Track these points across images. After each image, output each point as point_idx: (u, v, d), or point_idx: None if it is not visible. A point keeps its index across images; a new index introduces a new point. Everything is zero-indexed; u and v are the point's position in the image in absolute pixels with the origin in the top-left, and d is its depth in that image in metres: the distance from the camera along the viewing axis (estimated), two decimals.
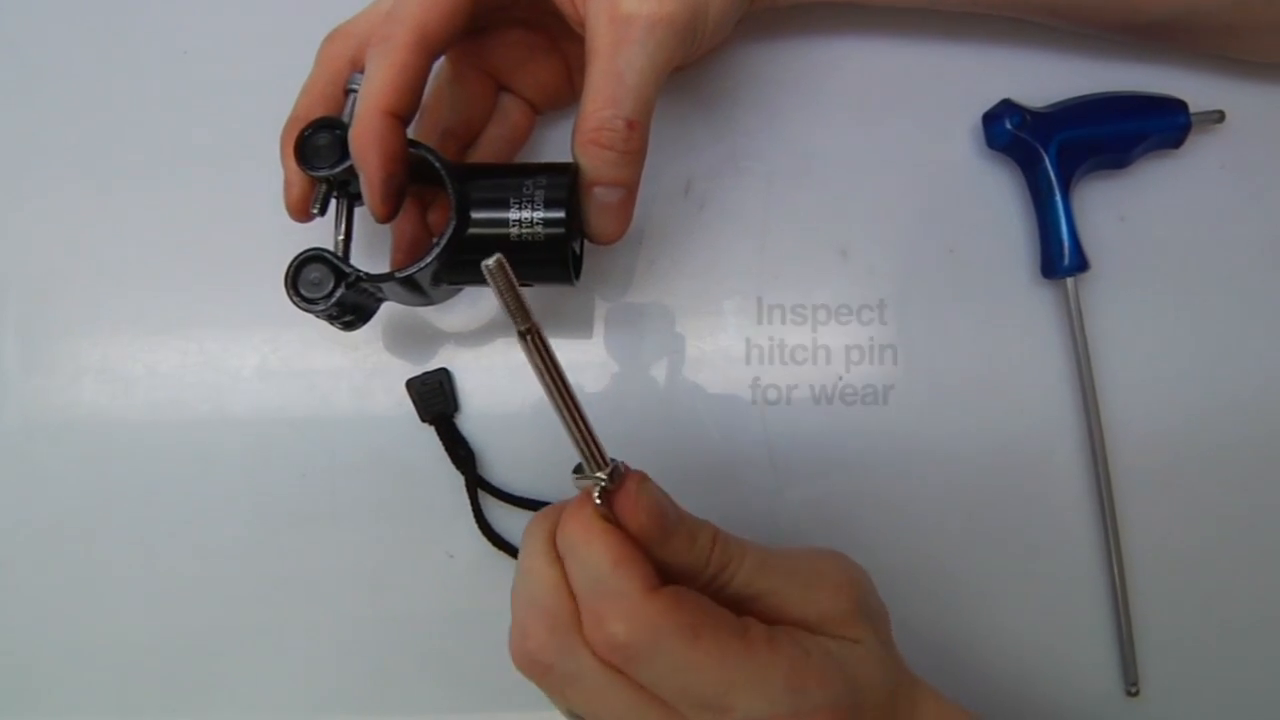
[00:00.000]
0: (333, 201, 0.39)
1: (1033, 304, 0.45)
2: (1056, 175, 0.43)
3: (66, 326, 0.47)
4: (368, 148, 0.35)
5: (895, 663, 0.34)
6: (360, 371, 0.45)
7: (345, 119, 0.38)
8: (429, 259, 0.36)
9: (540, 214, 0.37)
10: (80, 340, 0.46)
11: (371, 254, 0.44)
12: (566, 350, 0.45)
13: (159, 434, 0.46)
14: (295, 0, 0.45)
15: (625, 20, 0.35)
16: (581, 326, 0.45)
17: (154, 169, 0.47)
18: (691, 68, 0.44)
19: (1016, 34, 0.46)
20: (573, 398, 0.29)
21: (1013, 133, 0.43)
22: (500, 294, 0.28)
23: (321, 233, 0.39)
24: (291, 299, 0.37)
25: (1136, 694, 0.43)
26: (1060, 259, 0.43)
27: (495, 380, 0.45)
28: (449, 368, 0.45)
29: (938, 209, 0.45)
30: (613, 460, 0.30)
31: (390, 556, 0.45)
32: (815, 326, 0.45)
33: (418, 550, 0.45)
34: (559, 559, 0.31)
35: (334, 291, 0.37)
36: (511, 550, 0.44)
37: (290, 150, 0.38)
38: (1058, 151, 0.43)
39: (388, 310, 0.43)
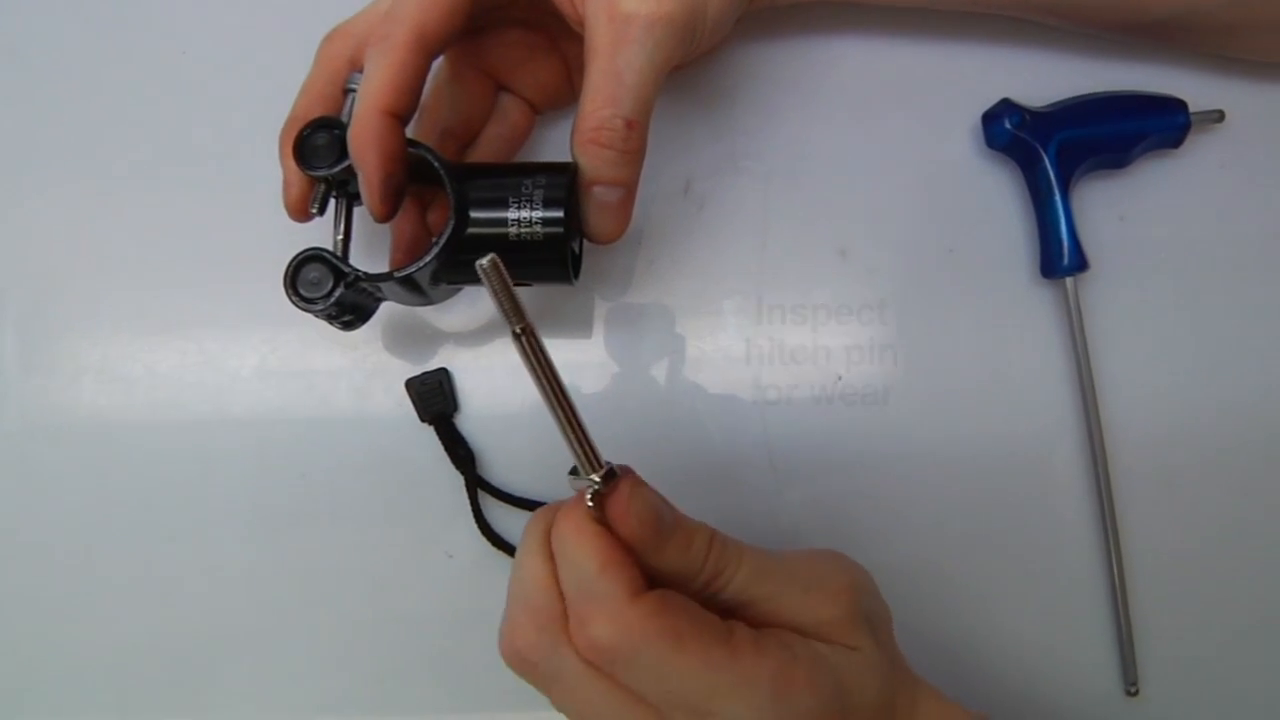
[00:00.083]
0: (332, 201, 0.39)
1: (1032, 304, 0.45)
2: (1056, 175, 0.43)
3: (66, 326, 0.47)
4: (366, 147, 0.35)
5: (894, 668, 0.33)
6: (360, 371, 0.45)
7: (344, 119, 0.38)
8: (428, 258, 0.36)
9: (539, 213, 0.36)
10: (79, 340, 0.46)
11: (371, 254, 0.44)
12: (566, 350, 0.45)
13: (158, 434, 0.46)
14: (295, 0, 0.45)
15: (624, 19, 0.35)
16: (581, 326, 0.45)
17: (153, 169, 0.47)
18: (691, 67, 0.44)
19: (1016, 34, 0.45)
20: (567, 399, 0.29)
21: (1012, 132, 0.43)
22: (495, 294, 0.28)
23: (320, 232, 0.39)
24: (290, 299, 0.37)
25: (1136, 694, 0.43)
26: (1060, 259, 0.43)
27: (495, 380, 0.45)
28: (448, 368, 0.45)
29: (937, 209, 0.45)
30: (608, 463, 0.30)
31: (390, 556, 0.45)
32: (815, 326, 0.45)
33: (417, 550, 0.45)
34: (552, 558, 0.31)
35: (333, 291, 0.37)
36: (511, 550, 0.44)
37: (289, 150, 0.38)
38: (1057, 151, 0.43)
39: (387, 310, 0.43)
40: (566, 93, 0.44)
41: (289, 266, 0.37)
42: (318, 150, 0.37)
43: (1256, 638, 0.43)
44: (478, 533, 0.44)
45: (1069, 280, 0.43)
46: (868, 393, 0.44)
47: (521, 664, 0.31)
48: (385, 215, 0.37)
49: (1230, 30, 0.42)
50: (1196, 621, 0.43)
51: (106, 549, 0.45)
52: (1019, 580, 0.44)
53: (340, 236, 0.39)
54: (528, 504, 0.44)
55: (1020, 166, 0.44)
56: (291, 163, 0.38)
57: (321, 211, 0.39)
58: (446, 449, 0.44)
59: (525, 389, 0.45)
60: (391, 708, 0.45)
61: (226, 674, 0.45)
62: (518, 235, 0.37)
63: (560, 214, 0.36)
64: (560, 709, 0.32)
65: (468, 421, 0.45)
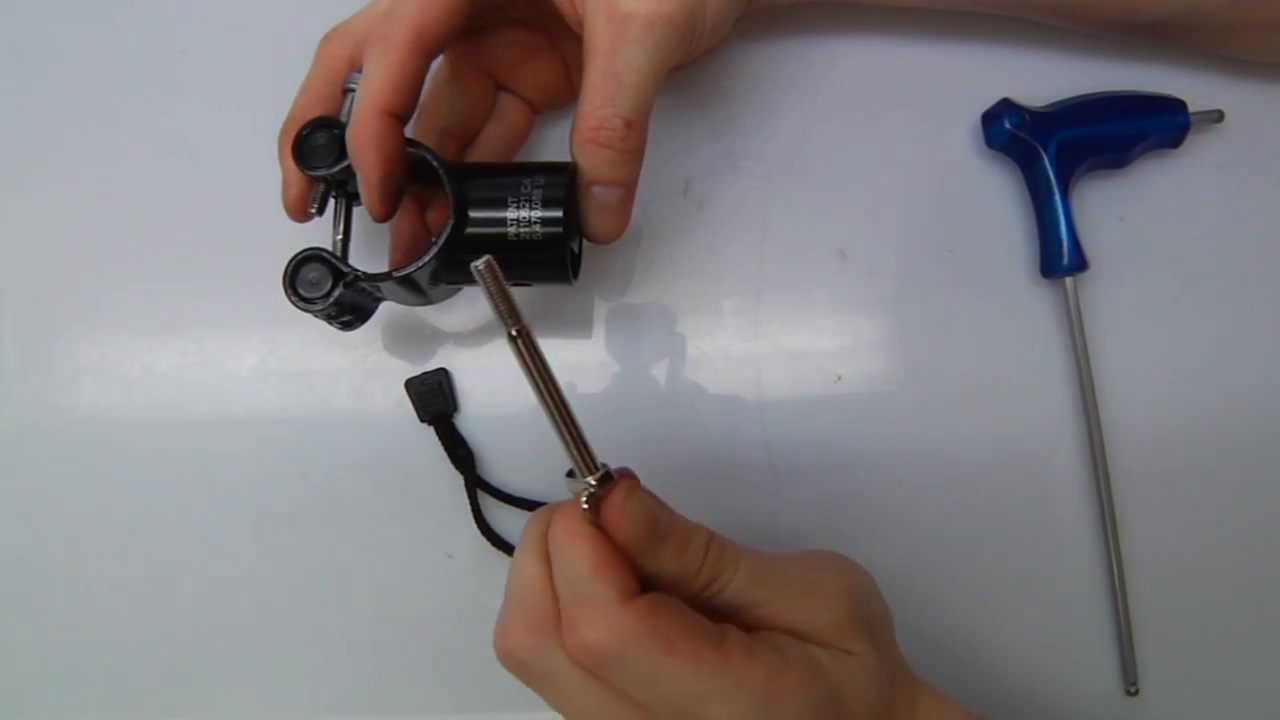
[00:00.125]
0: (331, 201, 0.39)
1: (1032, 304, 0.45)
2: (1056, 175, 0.43)
3: (64, 326, 0.47)
4: (365, 147, 0.35)
5: (893, 672, 0.33)
6: (359, 371, 0.45)
7: (343, 118, 0.38)
8: (427, 258, 0.36)
9: (538, 213, 0.36)
10: (78, 340, 0.46)
11: (370, 253, 0.44)
12: (565, 350, 0.45)
13: (157, 434, 0.46)
14: (294, 0, 0.45)
15: (623, 19, 0.35)
16: (580, 326, 0.45)
17: (152, 168, 0.47)
18: (690, 67, 0.44)
19: (1016, 34, 0.45)
20: (563, 401, 0.29)
21: (1012, 132, 0.43)
22: (490, 295, 0.28)
23: (320, 232, 0.39)
24: (289, 299, 0.37)
25: (1136, 694, 0.43)
26: (1059, 258, 0.43)
27: (494, 380, 0.45)
28: (448, 368, 0.45)
29: (937, 209, 0.45)
30: (603, 465, 0.30)
31: (389, 556, 0.45)
32: (814, 326, 0.45)
33: (417, 550, 0.45)
34: (548, 559, 0.31)
35: (332, 291, 0.37)
36: (510, 550, 0.44)
37: (288, 150, 0.38)
38: (1057, 151, 0.43)
39: (386, 310, 0.43)
40: (566, 92, 0.44)
41: (288, 266, 0.37)
42: (317, 150, 0.37)
43: (1256, 638, 0.43)
44: (477, 533, 0.44)
45: (1069, 280, 0.43)
46: (867, 393, 0.44)
47: (515, 663, 0.31)
48: (384, 215, 0.37)
49: (1230, 30, 0.42)
50: (1196, 621, 0.43)
51: (106, 549, 0.45)
52: (1019, 580, 0.44)
53: (339, 236, 0.39)
54: (527, 504, 0.44)
55: (1020, 166, 0.44)
56: (290, 162, 0.38)
57: (321, 211, 0.39)
58: (446, 449, 0.44)
59: (525, 389, 0.44)
60: (391, 708, 0.45)
61: (226, 674, 0.45)
62: (517, 235, 0.37)
63: (559, 214, 0.36)
64: (553, 708, 0.32)
65: (467, 421, 0.45)
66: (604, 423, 0.44)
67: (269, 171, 0.39)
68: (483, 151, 0.43)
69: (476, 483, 0.44)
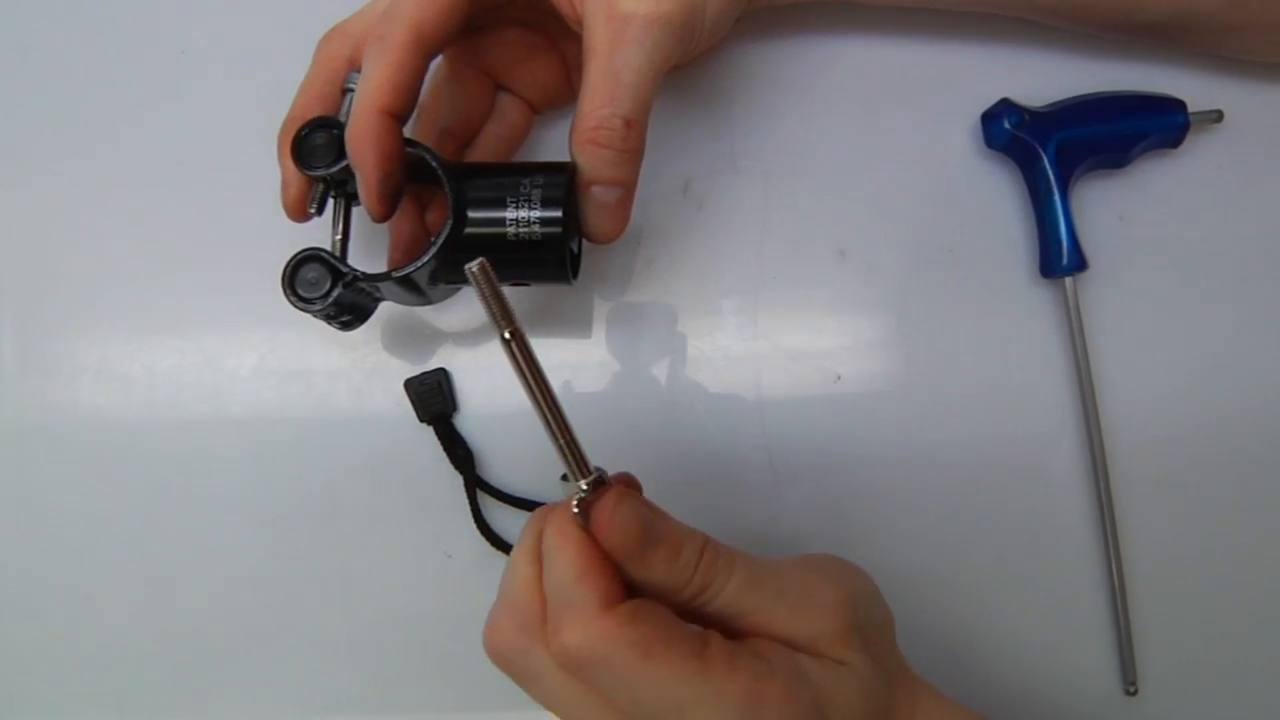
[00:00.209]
0: (330, 201, 0.39)
1: (1031, 303, 0.45)
2: (1055, 175, 0.43)
3: (63, 326, 0.47)
4: (364, 147, 0.35)
5: (891, 677, 0.33)
6: (358, 371, 0.45)
7: (342, 118, 0.38)
8: (426, 258, 0.36)
9: (537, 213, 0.36)
10: (78, 340, 0.46)
11: (369, 253, 0.44)
12: (564, 350, 0.45)
13: (156, 434, 0.46)
14: (293, 0, 0.45)
15: (623, 19, 0.35)
16: (580, 326, 0.45)
17: (151, 168, 0.47)
18: (689, 67, 0.44)
19: (1015, 34, 0.45)
20: (555, 404, 0.29)
21: (1011, 132, 0.43)
22: (484, 298, 0.28)
23: (319, 232, 0.39)
24: (288, 299, 0.37)
25: (1135, 693, 0.43)
26: (1059, 258, 0.43)
27: (494, 380, 0.45)
28: (447, 368, 0.45)
29: (936, 208, 0.45)
30: (597, 469, 0.30)
31: (389, 556, 0.45)
32: (814, 326, 0.45)
33: (416, 550, 0.45)
34: (540, 560, 0.31)
35: (331, 291, 0.37)
36: (509, 550, 0.44)
37: (287, 150, 0.38)
38: (1056, 151, 0.43)
39: (386, 310, 0.43)
40: (565, 92, 0.44)
41: (287, 266, 0.37)
42: (316, 150, 0.37)
43: (1255, 637, 0.43)
44: (477, 533, 0.44)
45: (1068, 280, 0.43)
46: (867, 393, 0.44)
47: (502, 661, 0.31)
48: (383, 215, 0.37)
49: (1229, 30, 0.42)
50: (1195, 622, 0.43)
51: (105, 549, 0.45)
52: (1018, 580, 0.44)
53: (338, 236, 0.39)
54: (526, 504, 0.44)
55: (1019, 166, 0.44)
56: (290, 162, 0.38)
57: (320, 211, 0.39)
58: (445, 449, 0.44)
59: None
60: (391, 707, 0.45)
61: (226, 674, 0.45)
62: (516, 235, 0.37)
63: (558, 214, 0.36)
64: (540, 705, 0.32)
65: (466, 421, 0.45)
66: (603, 422, 0.44)
67: (268, 171, 0.39)
68: (482, 151, 0.43)
69: (476, 483, 0.44)
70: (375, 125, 0.35)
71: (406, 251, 0.41)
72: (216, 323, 0.46)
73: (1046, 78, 0.45)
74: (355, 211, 0.40)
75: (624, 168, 0.37)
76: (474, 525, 0.44)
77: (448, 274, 0.38)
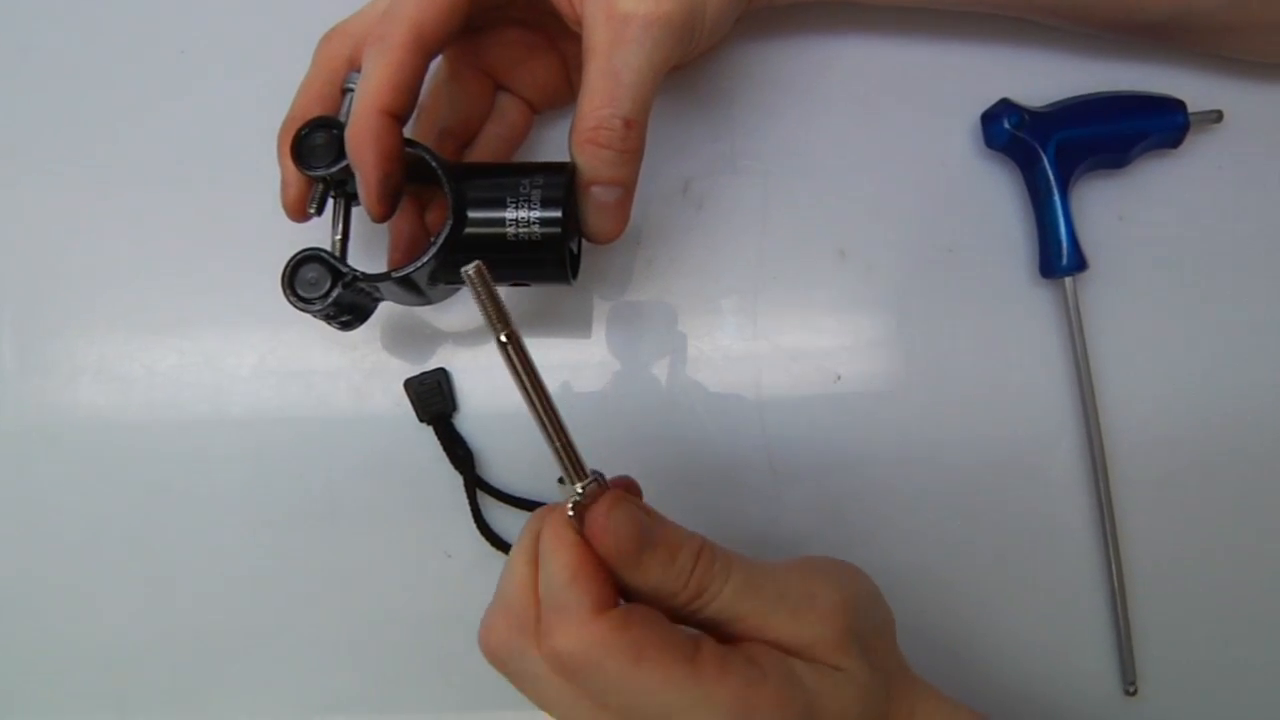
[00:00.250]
0: (330, 201, 0.39)
1: (1031, 303, 0.45)
2: (1055, 175, 0.43)
3: (63, 325, 0.47)
4: (364, 147, 0.35)
5: (889, 682, 0.33)
6: (358, 371, 0.45)
7: (342, 118, 0.38)
8: (426, 258, 0.36)
9: (537, 213, 0.36)
10: (77, 340, 0.46)
11: (369, 253, 0.44)
12: (564, 349, 0.45)
13: (156, 433, 0.46)
14: (293, 0, 0.45)
15: (622, 19, 0.35)
16: (580, 326, 0.45)
17: (151, 168, 0.47)
18: (689, 67, 0.44)
19: (1015, 34, 0.45)
20: (551, 407, 0.29)
21: (1011, 132, 0.43)
22: (480, 301, 0.28)
23: (319, 232, 0.39)
24: (288, 299, 0.37)
25: (1135, 693, 0.43)
26: (1059, 258, 0.43)
27: (493, 380, 0.45)
28: (447, 368, 0.45)
29: (936, 208, 0.45)
30: (593, 472, 0.30)
31: (389, 556, 0.45)
32: (814, 326, 0.45)
33: (416, 550, 0.45)
34: (537, 560, 0.31)
35: (331, 291, 0.37)
36: (509, 550, 0.44)
37: (287, 150, 0.38)
38: (1056, 151, 0.43)
39: (385, 310, 0.43)
40: (565, 92, 0.44)
41: (286, 266, 0.37)
42: (316, 150, 0.37)
43: (1255, 637, 0.43)
44: (476, 532, 0.44)
45: (1068, 280, 0.43)
46: (867, 392, 0.44)
47: (495, 659, 0.32)
48: (383, 215, 0.37)
49: (1229, 30, 0.42)
50: (1195, 621, 0.43)
51: (104, 549, 0.45)
52: (1017, 580, 0.44)
53: (338, 236, 0.39)
54: (526, 504, 0.44)
55: (1019, 166, 0.44)
56: (289, 162, 0.38)
57: (320, 211, 0.39)
58: (445, 449, 0.44)
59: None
60: (391, 707, 0.45)
61: (225, 673, 0.45)
62: (515, 235, 0.37)
63: (558, 214, 0.36)
64: (533, 704, 0.32)
65: (466, 421, 0.45)
66: (603, 422, 0.44)
67: (268, 171, 0.39)
68: (482, 151, 0.43)
69: (476, 483, 0.44)
70: (375, 125, 0.35)
71: (406, 251, 0.41)
72: (216, 323, 0.46)
73: (1046, 78, 0.45)
74: (355, 211, 0.40)
75: (624, 168, 0.37)
76: (474, 525, 0.44)
77: (447, 274, 0.38)
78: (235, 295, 0.46)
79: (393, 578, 0.45)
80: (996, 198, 0.45)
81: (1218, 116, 0.44)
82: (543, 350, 0.45)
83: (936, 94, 0.46)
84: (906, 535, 0.44)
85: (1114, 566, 0.43)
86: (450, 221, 0.36)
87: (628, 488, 0.34)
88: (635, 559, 0.30)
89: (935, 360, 0.45)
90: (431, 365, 0.45)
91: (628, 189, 0.38)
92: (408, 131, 0.37)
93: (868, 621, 0.33)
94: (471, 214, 0.37)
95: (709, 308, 0.45)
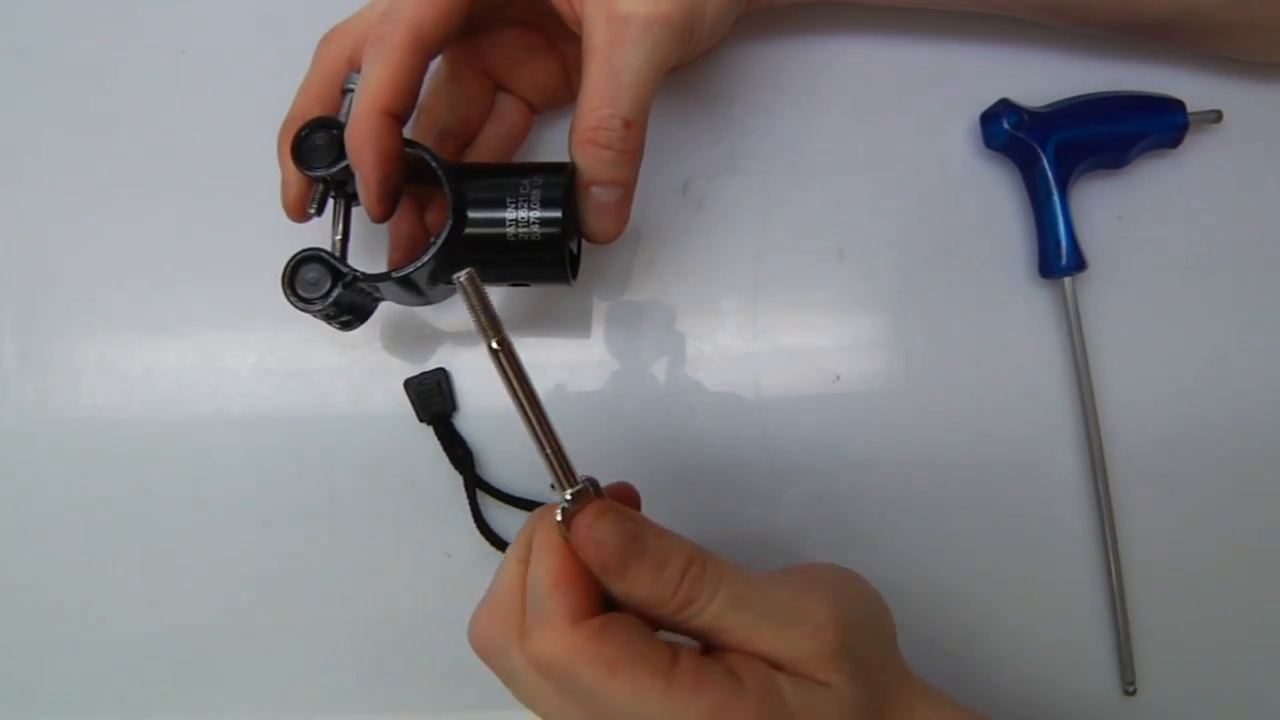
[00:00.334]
0: (330, 201, 0.39)
1: (1030, 304, 0.45)
2: (1054, 175, 0.43)
3: (64, 325, 0.47)
4: (364, 147, 0.35)
5: (877, 700, 0.32)
6: (358, 371, 0.46)
7: (342, 119, 0.38)
8: (425, 258, 0.36)
9: (537, 213, 0.36)
10: (78, 339, 0.46)
11: (369, 253, 0.44)
12: (563, 349, 0.45)
13: (157, 433, 0.46)
14: (294, 0, 0.45)
15: (622, 19, 0.35)
16: (579, 325, 0.45)
17: (152, 168, 0.47)
18: (689, 67, 0.44)
19: (1015, 34, 0.45)
20: (542, 414, 0.29)
21: (1010, 132, 0.43)
22: (472, 308, 0.28)
23: (319, 232, 0.39)
24: (288, 299, 0.37)
25: (1134, 693, 0.43)
26: (1058, 259, 0.43)
27: (493, 380, 0.44)
28: (447, 368, 0.45)
29: (935, 209, 0.45)
30: (584, 479, 0.30)
31: (388, 556, 0.45)
32: (813, 326, 0.45)
33: (416, 550, 0.45)
34: (528, 561, 0.31)
35: (331, 291, 0.37)
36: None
37: (287, 150, 0.38)
38: (1055, 151, 0.43)
39: (385, 310, 0.43)
40: (565, 93, 0.44)
41: (286, 266, 0.37)
42: (316, 150, 0.37)
43: (1254, 637, 0.43)
44: (476, 532, 0.44)
45: (1067, 280, 0.43)
46: (866, 393, 0.44)
47: (481, 653, 0.32)
48: (383, 215, 0.37)
49: (1228, 30, 0.42)
50: (1194, 621, 0.43)
51: (104, 548, 0.45)
52: (1017, 580, 0.44)
53: (338, 236, 0.39)
54: (526, 504, 0.44)
55: (1018, 166, 0.44)
56: (289, 163, 0.38)
57: (320, 211, 0.39)
58: (445, 449, 0.44)
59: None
60: (391, 706, 0.45)
61: (226, 673, 0.45)
62: (515, 235, 0.37)
63: (558, 214, 0.36)
64: (517, 700, 0.32)
65: (466, 421, 0.45)
66: (602, 422, 0.44)
67: (268, 171, 0.39)
68: (481, 152, 0.43)
69: (475, 482, 0.44)
70: (375, 125, 0.35)
71: (406, 251, 0.41)
72: (216, 323, 0.46)
73: (1046, 78, 0.45)
74: (355, 211, 0.40)
75: (623, 168, 0.37)
76: (474, 525, 0.44)
77: (447, 274, 0.38)
78: (235, 295, 0.46)
79: (393, 578, 0.45)
80: (996, 198, 0.45)
81: (1217, 116, 0.44)
82: (542, 350, 0.45)
83: (936, 94, 0.46)
84: (906, 535, 0.44)
85: (1113, 567, 0.43)
86: (450, 222, 0.36)
87: (626, 494, 0.34)
88: (620, 569, 0.30)
89: (934, 360, 0.45)
90: (431, 365, 0.45)
91: (627, 189, 0.38)
92: (408, 132, 0.37)
93: (864, 634, 0.32)
94: (471, 214, 0.37)
95: (708, 308, 0.45)
